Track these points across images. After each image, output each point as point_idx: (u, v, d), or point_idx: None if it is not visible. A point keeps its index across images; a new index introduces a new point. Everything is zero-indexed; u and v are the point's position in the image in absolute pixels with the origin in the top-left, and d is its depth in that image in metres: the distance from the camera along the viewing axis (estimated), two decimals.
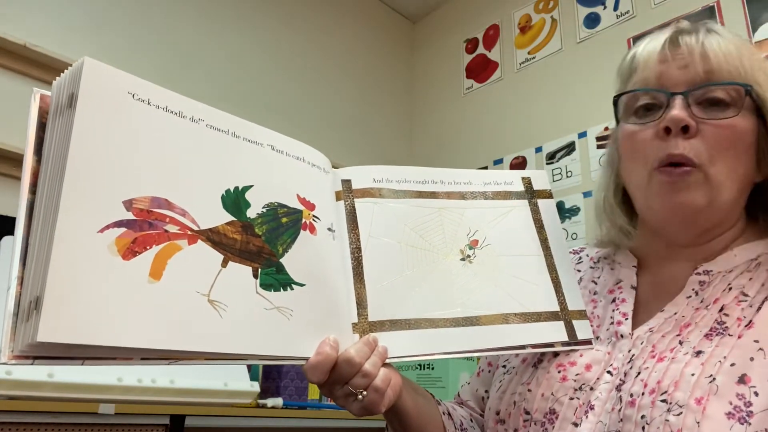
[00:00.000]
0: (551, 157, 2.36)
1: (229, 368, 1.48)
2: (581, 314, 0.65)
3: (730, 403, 0.52)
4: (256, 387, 1.50)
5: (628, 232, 0.70)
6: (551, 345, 0.64)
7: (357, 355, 0.55)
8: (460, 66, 2.89)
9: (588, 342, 0.64)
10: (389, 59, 3.05)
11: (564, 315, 0.65)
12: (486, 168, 2.59)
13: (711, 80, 0.60)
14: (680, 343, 0.58)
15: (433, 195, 0.67)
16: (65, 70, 0.48)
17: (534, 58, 2.57)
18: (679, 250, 0.67)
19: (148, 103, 0.50)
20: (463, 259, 0.65)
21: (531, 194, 0.71)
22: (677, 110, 0.59)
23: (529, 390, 0.64)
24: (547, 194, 0.71)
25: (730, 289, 0.61)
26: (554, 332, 0.64)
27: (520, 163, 2.47)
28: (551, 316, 0.64)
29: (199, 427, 1.41)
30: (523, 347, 0.63)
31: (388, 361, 0.58)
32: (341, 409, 1.72)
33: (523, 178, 0.72)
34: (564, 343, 0.64)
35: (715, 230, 0.65)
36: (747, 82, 0.60)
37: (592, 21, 2.38)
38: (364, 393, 0.55)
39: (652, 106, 0.63)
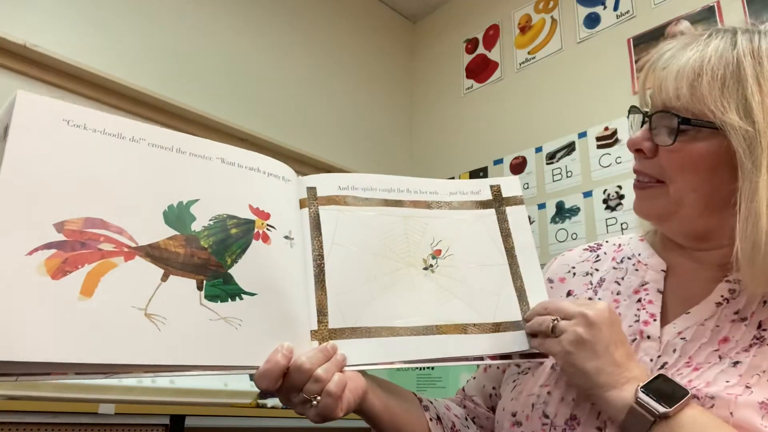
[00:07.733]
0: (551, 157, 2.36)
1: None
2: None
3: (767, 399, 0.52)
4: (256, 387, 1.50)
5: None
6: (509, 356, 0.64)
7: (308, 361, 0.55)
8: (460, 66, 2.89)
9: (546, 354, 0.62)
10: (389, 59, 3.05)
11: (526, 323, 0.64)
12: (485, 168, 2.59)
13: (663, 107, 0.63)
14: (720, 357, 0.58)
15: (398, 203, 0.67)
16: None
17: (534, 58, 2.57)
18: (693, 254, 0.67)
19: (84, 128, 0.52)
20: (425, 269, 0.65)
21: (499, 202, 0.71)
22: (636, 134, 0.66)
23: (549, 393, 0.63)
24: (518, 201, 0.71)
25: (765, 303, 0.61)
26: (514, 342, 0.63)
27: (520, 163, 2.47)
28: (512, 326, 0.64)
29: (199, 427, 1.41)
30: (481, 358, 0.62)
31: (346, 369, 0.58)
32: None
33: (491, 186, 0.72)
34: (522, 354, 0.63)
35: (711, 239, 0.65)
36: (696, 107, 0.60)
37: (592, 21, 2.38)
38: (318, 398, 0.55)
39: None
